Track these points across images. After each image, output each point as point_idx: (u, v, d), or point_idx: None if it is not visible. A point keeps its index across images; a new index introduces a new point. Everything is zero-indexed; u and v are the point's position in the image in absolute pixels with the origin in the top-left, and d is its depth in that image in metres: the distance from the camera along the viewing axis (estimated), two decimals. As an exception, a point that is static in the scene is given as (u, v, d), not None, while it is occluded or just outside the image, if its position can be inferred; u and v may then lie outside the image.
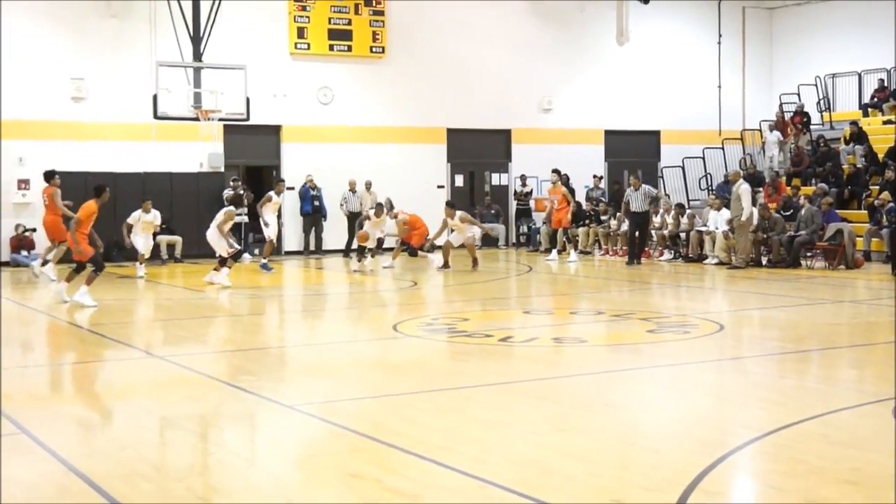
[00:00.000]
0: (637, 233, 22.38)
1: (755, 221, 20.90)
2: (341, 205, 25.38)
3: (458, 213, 21.46)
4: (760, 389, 9.07)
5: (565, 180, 26.57)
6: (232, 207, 18.46)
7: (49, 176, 19.29)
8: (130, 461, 6.47)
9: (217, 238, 17.70)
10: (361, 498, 5.70)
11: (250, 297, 16.91)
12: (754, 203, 21.28)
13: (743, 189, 20.73)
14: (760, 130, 29.70)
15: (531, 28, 28.93)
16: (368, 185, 25.41)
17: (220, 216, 17.70)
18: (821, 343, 11.63)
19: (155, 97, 21.51)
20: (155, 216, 20.15)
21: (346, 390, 9.01)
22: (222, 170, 25.18)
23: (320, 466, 6.44)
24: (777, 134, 28.30)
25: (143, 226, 19.84)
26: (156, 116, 21.88)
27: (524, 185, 28.18)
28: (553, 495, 5.59)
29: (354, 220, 24.92)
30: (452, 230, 21.30)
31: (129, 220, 19.64)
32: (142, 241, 19.80)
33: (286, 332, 13.57)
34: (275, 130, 26.08)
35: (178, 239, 23.34)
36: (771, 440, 6.89)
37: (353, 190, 25.47)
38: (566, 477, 6.03)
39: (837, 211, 22.09)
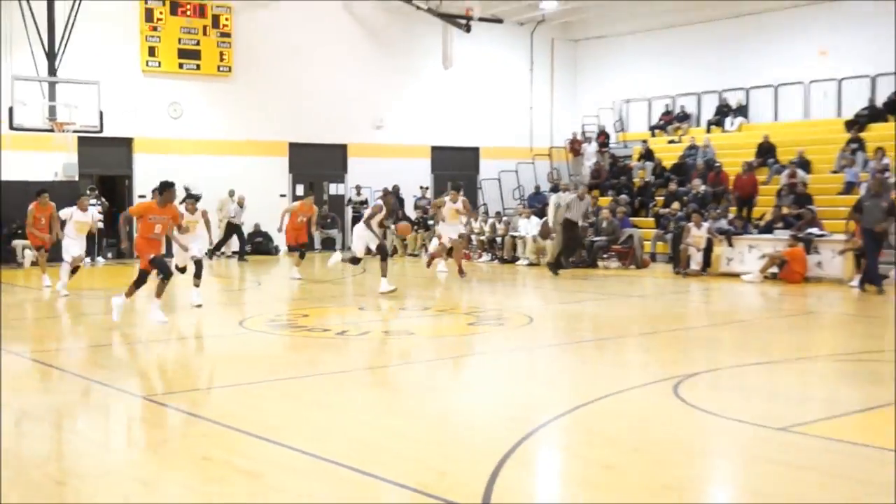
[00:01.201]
0: (570, 240, 20.19)
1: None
2: (219, 209, 25.00)
3: (462, 197, 18.93)
4: (564, 373, 9.42)
5: (395, 192, 26.81)
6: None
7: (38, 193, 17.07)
8: (-10, 451, 6.23)
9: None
10: (211, 478, 5.66)
11: (104, 297, 16.35)
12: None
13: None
14: (566, 148, 30.61)
15: (365, 52, 28.99)
16: (231, 193, 25.08)
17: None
18: (615, 332, 12.09)
19: (10, 109, 20.60)
20: (92, 214, 16.88)
21: (197, 381, 8.90)
22: (77, 179, 24.30)
23: (173, 451, 6.36)
24: (595, 145, 29.25)
25: (77, 226, 16.10)
26: (11, 128, 20.97)
27: (359, 194, 28.26)
28: (382, 470, 5.69)
29: (234, 228, 25.08)
30: (443, 219, 18.48)
31: (62, 216, 16.50)
32: (75, 245, 16.05)
33: (139, 329, 13.21)
34: (127, 142, 25.35)
35: (33, 243, 22.36)
36: (572, 416, 7.17)
37: (241, 205, 25.35)
38: (395, 454, 6.14)
39: (630, 218, 23.02)
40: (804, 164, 23.30)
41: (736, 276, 18.74)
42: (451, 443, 6.50)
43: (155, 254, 11.84)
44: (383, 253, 15.94)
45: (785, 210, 20.25)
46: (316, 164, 28.47)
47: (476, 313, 13.67)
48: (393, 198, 17.59)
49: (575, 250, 20.69)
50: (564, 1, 29.09)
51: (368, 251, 16.13)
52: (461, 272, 18.67)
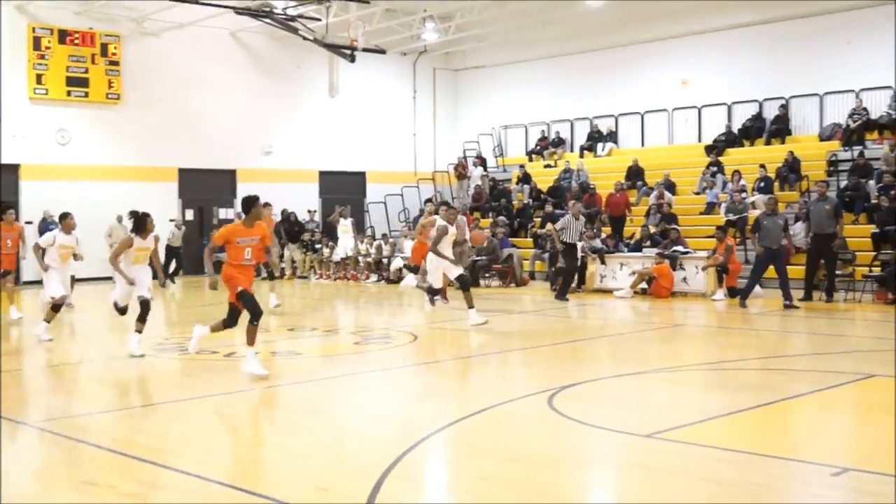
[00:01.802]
0: (570, 265, 18.15)
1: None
2: (108, 235, 24.35)
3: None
4: (446, 388, 9.44)
5: (287, 216, 26.49)
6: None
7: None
8: None
9: None
10: (94, 503, 5.47)
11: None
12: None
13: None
14: (449, 172, 30.86)
15: (254, 80, 28.73)
16: (120, 219, 24.33)
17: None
18: (496, 348, 12.13)
19: None
20: (76, 238, 13.66)
21: (82, 407, 8.58)
22: (-39, 205, 23.27)
23: (56, 476, 6.12)
24: (480, 169, 29.51)
25: (61, 253, 13.40)
26: None
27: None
28: (266, 488, 5.60)
29: (173, 251, 25.11)
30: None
31: (42, 244, 13.42)
32: (56, 279, 13.24)
33: (25, 357, 12.69)
34: (13, 169, 24.44)
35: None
36: (452, 430, 7.18)
37: (178, 227, 25.52)
38: (279, 472, 6.04)
39: (509, 239, 23.28)
40: (670, 186, 24.00)
41: (609, 292, 19.12)
42: (335, 459, 6.43)
43: (246, 285, 9.55)
44: (464, 284, 13.64)
45: (652, 229, 20.79)
46: (205, 190, 27.98)
47: (362, 333, 13.59)
48: (457, 212, 14.98)
49: (574, 272, 18.58)
50: (444, 33, 29.37)
51: (448, 280, 14.03)
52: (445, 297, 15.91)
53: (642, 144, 28.23)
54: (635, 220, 22.93)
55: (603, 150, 28.57)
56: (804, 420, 7.80)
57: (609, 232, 21.76)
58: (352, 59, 25.52)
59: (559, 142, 29.89)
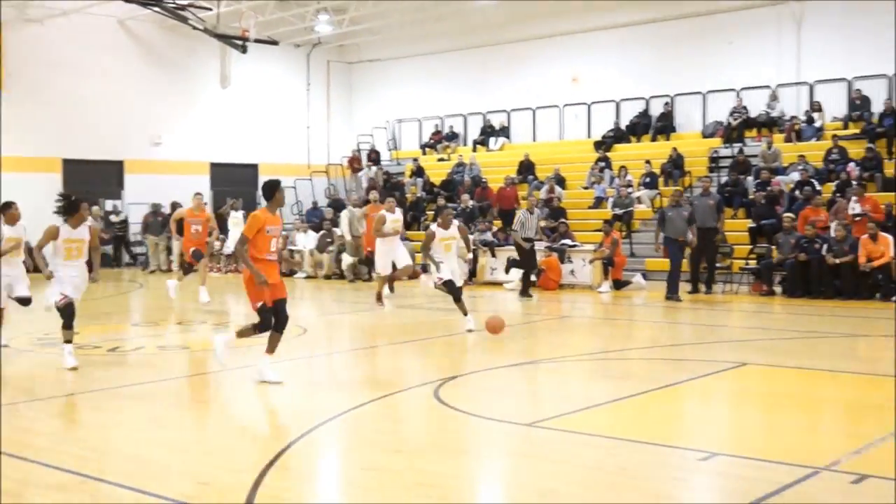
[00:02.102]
0: (530, 258, 17.59)
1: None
2: None
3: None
4: (334, 380, 9.47)
5: (176, 208, 25.89)
6: None
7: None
8: None
9: None
10: (-35, 502, 5.33)
11: None
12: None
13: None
14: (343, 165, 30.74)
15: (142, 69, 28.04)
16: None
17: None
18: (386, 340, 12.20)
19: None
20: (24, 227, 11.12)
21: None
22: None
23: (-76, 477, 5.91)
24: (375, 168, 29.46)
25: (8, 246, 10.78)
26: None
27: (117, 214, 27.14)
28: (146, 483, 5.52)
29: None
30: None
31: None
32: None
33: None
34: None
35: None
36: (338, 421, 7.21)
37: (95, 217, 24.29)
38: (160, 467, 5.97)
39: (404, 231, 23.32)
40: (560, 181, 24.41)
41: (499, 284, 19.37)
42: (218, 453, 6.39)
43: (271, 291, 8.61)
44: (454, 291, 12.70)
45: (542, 223, 21.10)
46: (91, 181, 27.15)
47: (252, 326, 13.41)
48: (450, 216, 13.75)
49: (534, 266, 17.94)
50: (338, 26, 29.21)
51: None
52: (391, 290, 15.82)
53: (534, 139, 28.63)
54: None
55: (495, 144, 28.87)
56: (681, 407, 8.08)
57: (500, 225, 22.06)
58: (243, 49, 25.16)
59: (452, 136, 30.08)
